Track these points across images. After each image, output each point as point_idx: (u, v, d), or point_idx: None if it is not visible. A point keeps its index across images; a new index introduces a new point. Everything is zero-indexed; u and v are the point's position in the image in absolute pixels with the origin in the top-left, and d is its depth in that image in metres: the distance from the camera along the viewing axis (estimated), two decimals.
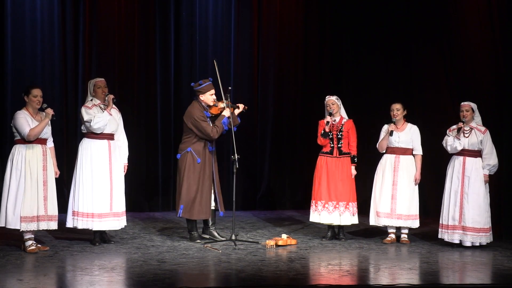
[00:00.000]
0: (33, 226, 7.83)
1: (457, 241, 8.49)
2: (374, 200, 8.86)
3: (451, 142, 8.53)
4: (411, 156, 8.82)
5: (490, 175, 8.54)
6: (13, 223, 7.80)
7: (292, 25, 11.87)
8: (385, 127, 8.87)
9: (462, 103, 8.60)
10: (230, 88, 8.74)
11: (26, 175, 7.80)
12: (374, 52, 11.38)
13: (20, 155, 7.82)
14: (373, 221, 8.87)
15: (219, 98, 8.64)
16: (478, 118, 8.58)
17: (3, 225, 7.86)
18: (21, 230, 7.81)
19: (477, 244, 8.41)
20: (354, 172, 8.87)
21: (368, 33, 11.39)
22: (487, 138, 8.47)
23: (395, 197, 8.73)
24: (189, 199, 8.49)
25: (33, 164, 7.85)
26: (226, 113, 8.54)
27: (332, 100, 8.84)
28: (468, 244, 8.42)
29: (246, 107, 8.80)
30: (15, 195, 7.79)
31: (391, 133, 8.72)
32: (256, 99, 11.80)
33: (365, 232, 9.43)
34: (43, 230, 7.99)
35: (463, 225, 8.44)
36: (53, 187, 8.03)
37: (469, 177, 8.44)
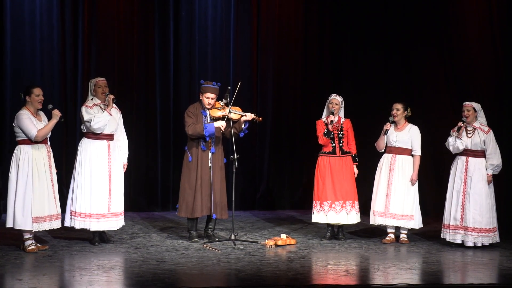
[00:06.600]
0: (45, 226, 7.85)
1: (459, 241, 8.49)
2: (374, 199, 8.87)
3: (453, 142, 8.53)
4: (409, 156, 8.79)
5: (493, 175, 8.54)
6: (23, 224, 7.76)
7: (292, 25, 11.84)
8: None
9: (464, 103, 8.58)
10: (230, 88, 8.68)
11: (34, 175, 7.78)
12: (374, 52, 11.37)
13: (26, 155, 7.79)
14: (372, 220, 8.87)
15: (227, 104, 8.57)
16: (482, 118, 8.54)
17: (11, 226, 7.82)
18: (33, 231, 7.80)
19: (479, 245, 8.40)
20: (356, 171, 8.89)
21: (368, 34, 11.37)
22: (490, 138, 8.44)
23: (389, 196, 8.72)
24: (182, 197, 8.52)
25: (40, 164, 7.84)
26: (218, 123, 8.42)
27: (337, 101, 8.83)
28: (470, 244, 8.41)
29: (260, 119, 8.69)
30: (23, 195, 7.76)
31: (385, 132, 8.72)
32: (256, 99, 11.78)
33: (365, 232, 9.42)
34: (53, 228, 8.01)
35: (464, 225, 8.43)
36: (56, 186, 8.05)
37: (471, 177, 8.44)
